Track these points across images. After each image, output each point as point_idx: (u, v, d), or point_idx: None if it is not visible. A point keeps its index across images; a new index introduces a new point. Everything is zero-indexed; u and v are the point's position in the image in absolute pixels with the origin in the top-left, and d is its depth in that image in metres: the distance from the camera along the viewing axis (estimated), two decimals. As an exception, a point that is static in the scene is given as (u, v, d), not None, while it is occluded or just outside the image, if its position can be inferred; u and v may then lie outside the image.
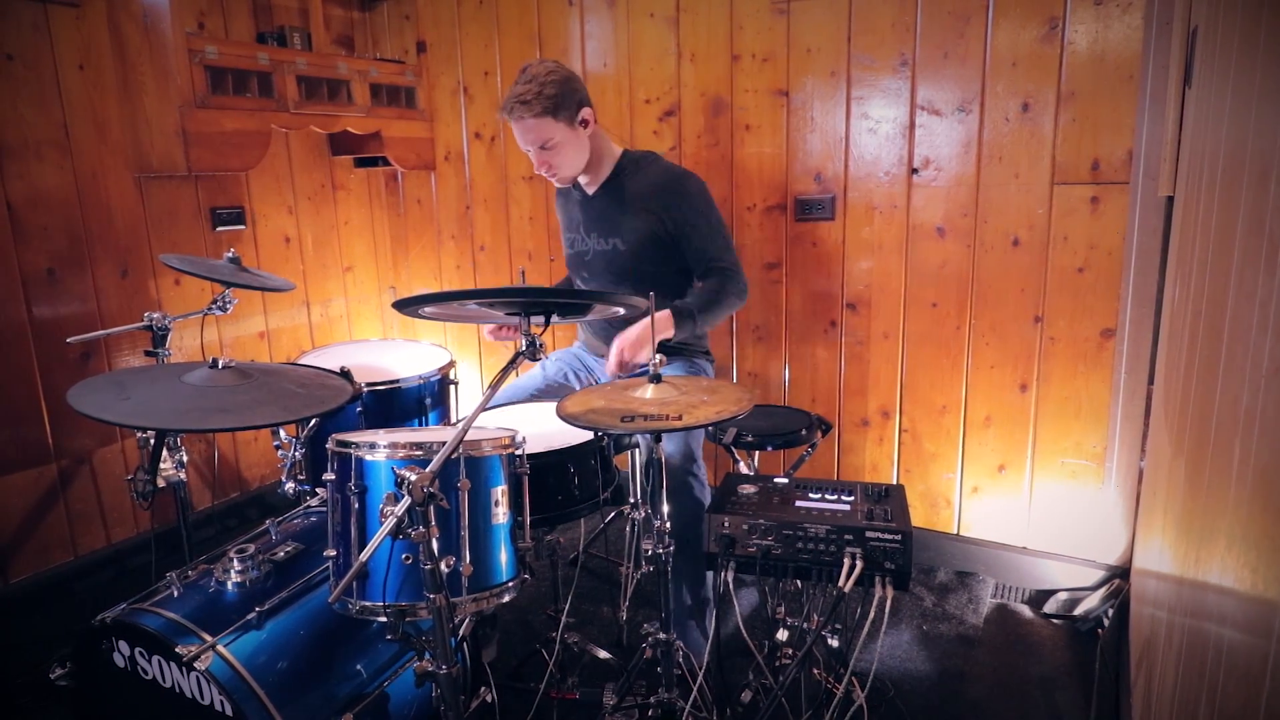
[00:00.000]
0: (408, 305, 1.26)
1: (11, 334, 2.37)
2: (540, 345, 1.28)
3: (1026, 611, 2.38)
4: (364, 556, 1.10)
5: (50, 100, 2.39)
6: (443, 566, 1.20)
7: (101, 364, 2.58)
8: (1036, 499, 2.45)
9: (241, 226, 2.95)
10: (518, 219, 3.21)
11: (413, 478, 1.14)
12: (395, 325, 3.64)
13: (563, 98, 2.02)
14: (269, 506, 3.14)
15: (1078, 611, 2.31)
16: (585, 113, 2.08)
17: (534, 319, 1.31)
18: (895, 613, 2.35)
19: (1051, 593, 2.43)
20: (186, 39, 2.41)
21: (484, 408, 1.22)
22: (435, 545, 1.18)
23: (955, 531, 2.59)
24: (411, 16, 3.26)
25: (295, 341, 3.23)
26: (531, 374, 2.37)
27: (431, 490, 1.14)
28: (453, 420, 2.37)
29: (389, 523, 1.13)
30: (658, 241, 2.15)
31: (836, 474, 2.76)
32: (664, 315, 1.98)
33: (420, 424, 2.24)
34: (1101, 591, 2.31)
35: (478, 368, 3.47)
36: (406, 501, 1.14)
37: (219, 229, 2.88)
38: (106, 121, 2.52)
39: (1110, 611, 2.21)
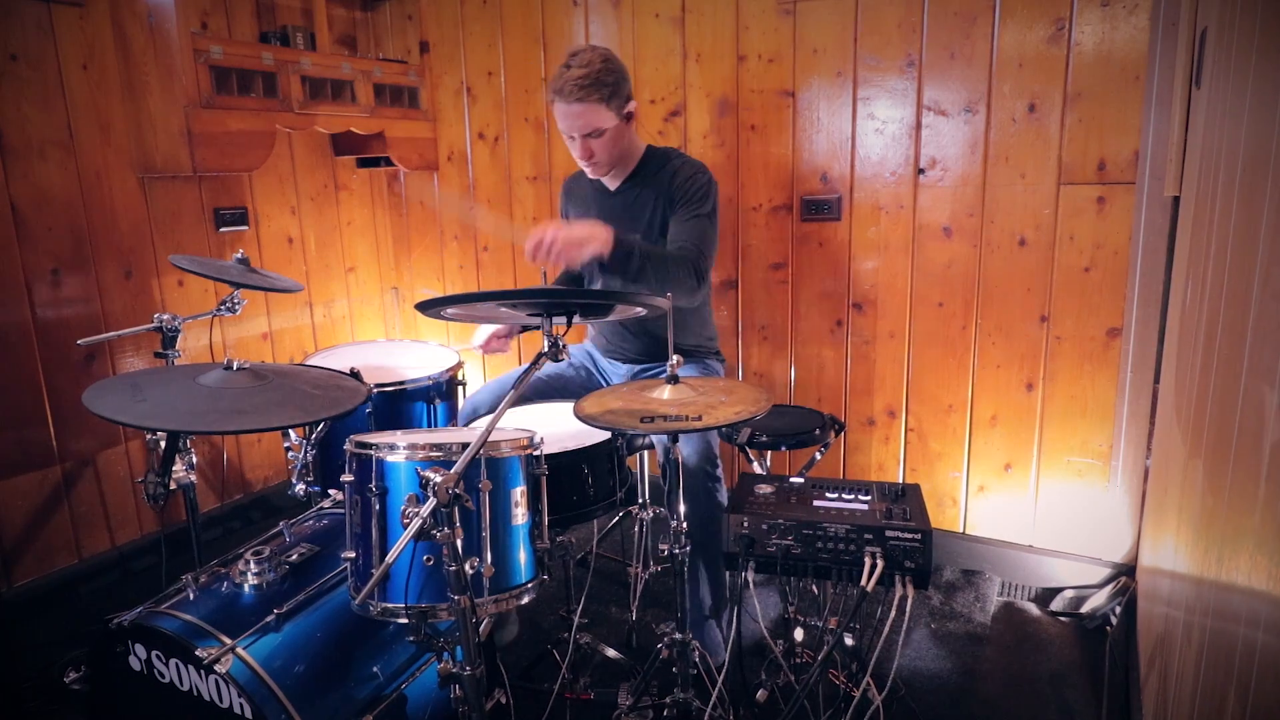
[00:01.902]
0: (431, 307, 1.26)
1: (16, 335, 2.35)
2: (563, 345, 1.28)
3: (1033, 609, 2.39)
4: (390, 559, 1.10)
5: (54, 100, 2.38)
6: (467, 568, 1.20)
7: (105, 365, 2.56)
8: (1042, 497, 2.46)
9: (245, 227, 2.94)
10: (521, 219, 3.21)
11: (437, 479, 1.14)
12: (398, 326, 3.63)
13: (617, 86, 1.99)
14: (272, 508, 3.13)
15: (1084, 609, 2.32)
16: (631, 105, 2.06)
17: (556, 319, 1.31)
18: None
19: (1057, 590, 2.44)
20: (192, 39, 2.40)
21: (511, 405, 1.22)
22: (460, 546, 1.18)
23: (961, 530, 2.60)
24: (414, 16, 3.25)
25: (298, 343, 3.22)
26: (539, 373, 2.36)
27: (457, 491, 1.14)
28: (460, 421, 2.37)
29: (414, 524, 1.12)
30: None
31: (843, 473, 2.77)
32: (605, 231, 1.76)
33: (429, 425, 2.23)
34: (1108, 589, 2.33)
35: (481, 368, 3.46)
36: (432, 503, 1.13)
37: (222, 230, 2.86)
38: (110, 121, 2.51)
39: (1118, 609, 2.22)
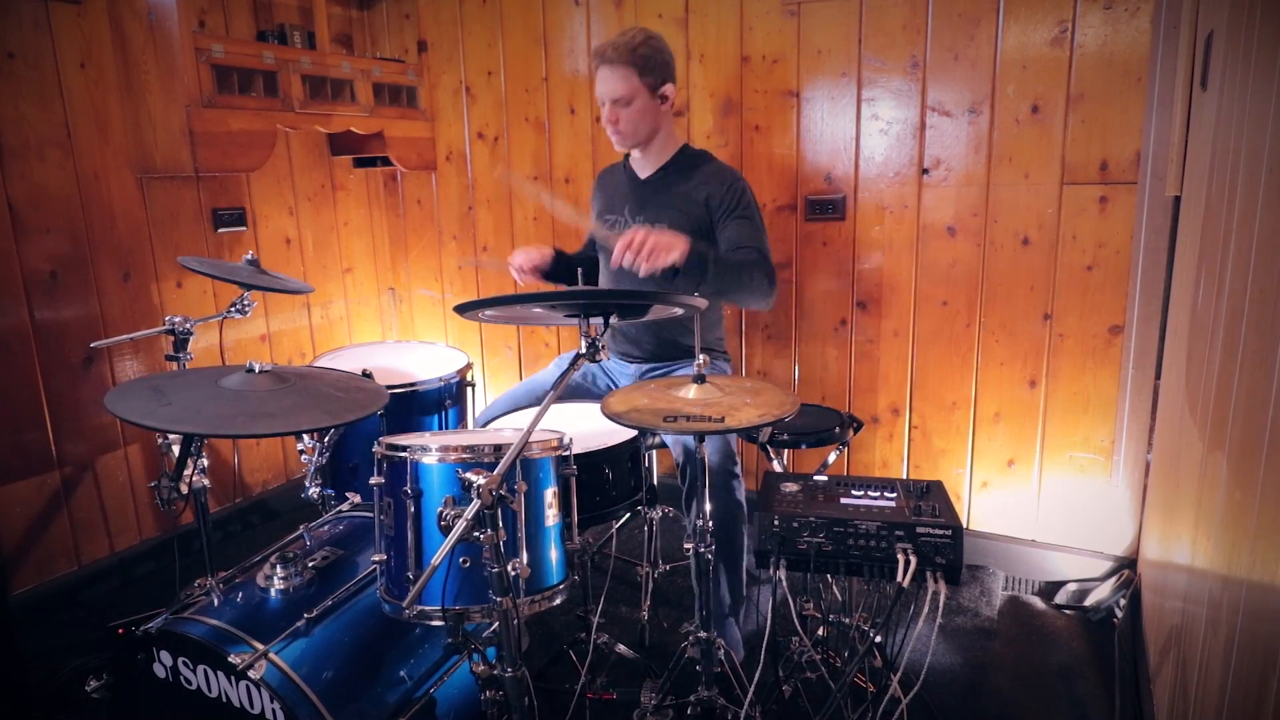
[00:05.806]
0: (469, 309, 1.26)
1: (14, 338, 2.30)
2: (601, 346, 1.28)
3: (1038, 603, 2.43)
4: (436, 560, 1.10)
5: (52, 99, 2.34)
6: (509, 569, 1.20)
7: (104, 369, 2.52)
8: (1045, 492, 2.50)
9: (243, 228, 2.90)
10: (521, 219, 3.20)
11: (480, 481, 1.14)
12: (394, 327, 3.61)
13: (653, 61, 2.09)
14: (271, 511, 3.10)
15: (1088, 602, 2.36)
16: (668, 88, 2.14)
17: (594, 320, 1.31)
18: (911, 606, 2.38)
19: (1061, 584, 2.48)
20: (193, 37, 2.37)
21: (552, 404, 1.22)
22: (502, 548, 1.17)
23: (965, 526, 2.63)
24: (412, 15, 3.23)
25: (296, 344, 3.19)
26: (549, 374, 2.36)
27: (501, 493, 1.14)
28: (469, 423, 2.36)
29: (460, 526, 1.12)
30: (704, 234, 2.13)
31: (846, 470, 2.79)
32: (681, 238, 1.76)
33: (440, 426, 2.23)
34: (1111, 582, 2.37)
35: (480, 369, 3.45)
36: (475, 505, 1.13)
37: (220, 230, 2.82)
38: (108, 121, 2.47)
39: (1122, 602, 2.26)
